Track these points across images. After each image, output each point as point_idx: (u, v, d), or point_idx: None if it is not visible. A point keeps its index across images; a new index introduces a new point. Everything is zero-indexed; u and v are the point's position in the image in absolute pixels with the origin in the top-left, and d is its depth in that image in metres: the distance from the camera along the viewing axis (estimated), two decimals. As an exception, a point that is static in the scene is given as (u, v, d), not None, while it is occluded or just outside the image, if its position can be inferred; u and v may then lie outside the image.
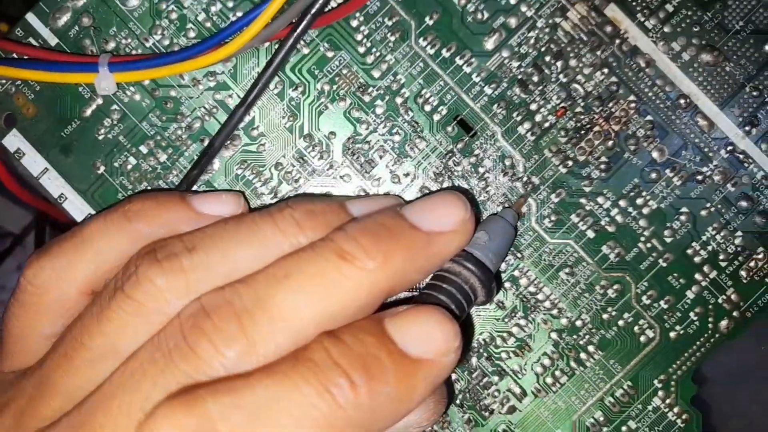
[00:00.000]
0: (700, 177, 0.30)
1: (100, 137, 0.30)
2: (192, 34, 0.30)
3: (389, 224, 0.24)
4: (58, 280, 0.25)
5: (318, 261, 0.23)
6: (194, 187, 0.30)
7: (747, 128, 0.29)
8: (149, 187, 0.31)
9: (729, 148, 0.29)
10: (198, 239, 0.24)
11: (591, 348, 0.30)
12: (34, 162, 0.31)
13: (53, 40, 0.30)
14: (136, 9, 0.30)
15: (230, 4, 0.30)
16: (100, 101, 0.30)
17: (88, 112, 0.30)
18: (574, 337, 0.30)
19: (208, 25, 0.30)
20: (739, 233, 0.30)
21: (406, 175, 0.30)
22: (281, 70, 0.30)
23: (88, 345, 0.23)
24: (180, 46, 0.30)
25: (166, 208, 0.25)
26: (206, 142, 0.30)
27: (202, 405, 0.20)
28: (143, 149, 0.30)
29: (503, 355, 0.30)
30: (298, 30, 0.27)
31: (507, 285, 0.30)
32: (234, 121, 0.29)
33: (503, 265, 0.30)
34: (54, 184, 0.31)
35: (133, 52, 0.30)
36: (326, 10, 0.28)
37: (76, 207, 0.31)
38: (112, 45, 0.30)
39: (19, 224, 0.69)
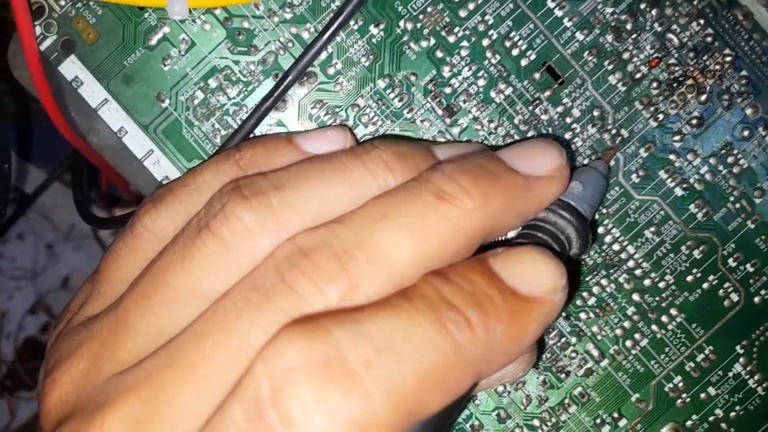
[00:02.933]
0: (794, 137, 0.29)
1: (166, 68, 0.29)
2: (269, -38, 0.29)
3: (488, 165, 0.23)
4: (175, 229, 0.24)
5: (416, 201, 0.22)
6: (264, 127, 0.29)
7: (844, 89, 0.29)
8: (217, 125, 0.29)
9: (824, 108, 0.29)
10: (285, 177, 0.23)
11: (673, 311, 0.30)
12: (92, 92, 0.29)
13: (119, -38, 0.29)
14: (210, -68, 0.28)
15: (311, -68, 0.29)
16: (167, 29, 0.29)
17: (154, 40, 0.29)
18: (657, 298, 0.29)
19: (287, -48, 0.29)
20: (830, 197, 0.29)
21: (490, 122, 0.29)
22: (363, 5, 0.28)
23: (170, 283, 0.22)
24: (256, -26, 0.29)
25: (276, 152, 0.25)
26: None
27: (327, 332, 0.18)
28: (212, 83, 0.29)
29: (582, 315, 0.30)
30: (392, -42, 0.26)
31: (589, 241, 0.29)
32: (309, 57, 0.28)
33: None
34: (114, 116, 0.29)
35: (206, -22, 0.29)
36: None
37: (137, 141, 0.29)
38: (182, -30, 0.29)
39: (32, 186, 0.68)
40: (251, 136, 0.29)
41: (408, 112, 0.29)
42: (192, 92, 0.29)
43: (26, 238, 0.76)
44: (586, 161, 0.29)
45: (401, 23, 0.29)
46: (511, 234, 0.26)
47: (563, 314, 0.30)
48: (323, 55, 0.29)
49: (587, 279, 0.30)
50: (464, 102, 0.29)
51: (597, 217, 0.29)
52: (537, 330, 0.21)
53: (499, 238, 0.25)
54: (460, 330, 0.19)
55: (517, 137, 0.29)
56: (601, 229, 0.29)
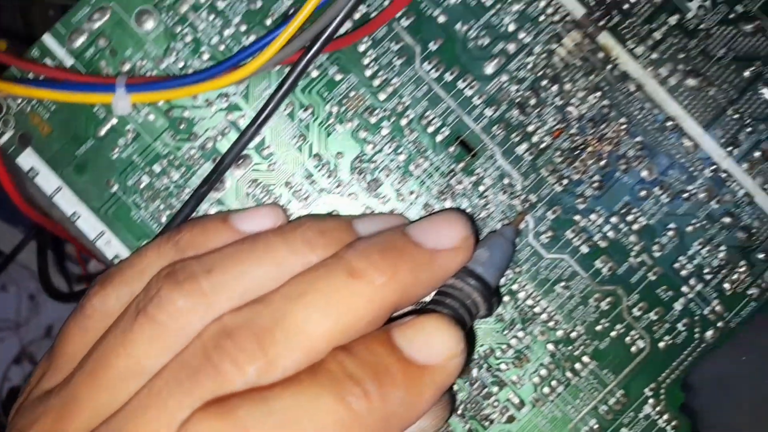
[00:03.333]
0: (686, 195, 0.32)
1: (114, 156, 0.32)
2: (206, 57, 0.32)
3: (396, 242, 0.26)
4: (121, 308, 0.26)
5: (330, 278, 0.24)
6: (205, 206, 0.32)
7: (729, 149, 0.32)
8: (162, 206, 0.32)
9: (713, 167, 0.32)
10: (216, 260, 0.26)
11: (585, 358, 0.32)
12: (47, 181, 0.32)
13: (69, 61, 0.32)
14: (151, 32, 0.32)
15: (243, 28, 0.32)
16: (114, 121, 0.32)
17: (103, 131, 0.32)
18: (570, 348, 0.32)
19: (222, 48, 0.32)
20: (722, 248, 0.32)
21: (411, 193, 0.32)
22: (292, 93, 0.31)
23: (113, 364, 0.25)
24: (194, 69, 0.32)
25: (212, 233, 0.27)
26: (218, 161, 0.31)
27: (235, 412, 0.21)
28: (156, 168, 0.32)
29: (502, 366, 0.32)
30: (309, 55, 0.29)
31: (506, 298, 0.32)
32: (244, 141, 0.31)
33: (502, 279, 0.32)
34: (67, 202, 0.32)
35: (148, 74, 0.32)
36: (336, 36, 0.30)
37: (90, 224, 0.32)
38: (127, 66, 0.32)
39: (10, 244, 0.70)
40: (193, 215, 0.31)
41: (336, 188, 0.32)
42: (138, 177, 0.32)
43: (8, 289, 0.79)
44: (499, 225, 0.32)
45: (327, 107, 0.32)
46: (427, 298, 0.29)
47: (485, 366, 0.32)
48: (257, 139, 0.32)
49: (505, 333, 0.32)
50: (386, 176, 0.32)
51: (512, 275, 0.32)
52: (434, 394, 0.24)
53: (412, 306, 0.28)
54: (357, 400, 0.22)
55: (435, 206, 0.32)
56: (515, 286, 0.32)
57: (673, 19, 0.31)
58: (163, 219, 0.32)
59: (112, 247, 0.32)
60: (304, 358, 0.23)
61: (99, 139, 0.32)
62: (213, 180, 0.31)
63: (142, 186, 0.32)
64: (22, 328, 0.78)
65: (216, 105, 0.32)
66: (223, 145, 0.32)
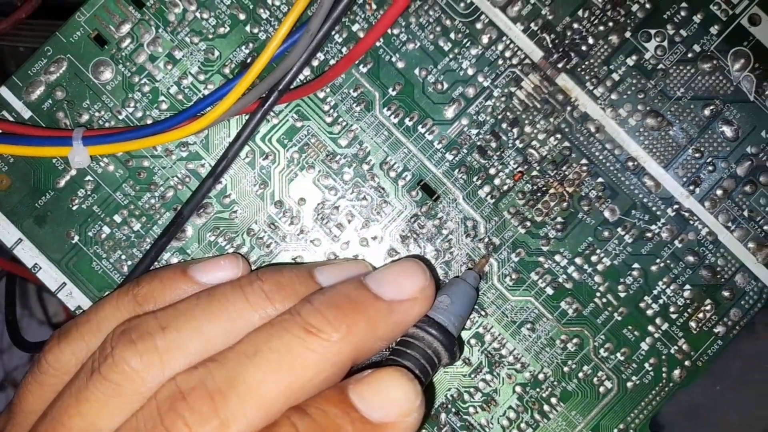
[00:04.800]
0: (649, 234, 0.32)
1: (74, 207, 0.32)
2: (164, 107, 0.32)
3: (353, 295, 0.26)
4: (77, 364, 0.26)
5: (285, 336, 0.24)
6: (167, 255, 0.31)
7: (691, 188, 0.32)
8: (123, 256, 0.32)
9: (675, 206, 0.32)
10: (171, 317, 0.26)
11: (553, 400, 0.32)
12: (7, 233, 0.32)
13: (27, 114, 0.32)
14: (109, 82, 0.32)
15: (201, 78, 0.32)
16: (73, 172, 0.32)
17: (62, 183, 0.32)
18: (537, 390, 0.32)
19: (180, 97, 0.32)
20: (687, 287, 0.32)
21: (374, 238, 0.32)
22: (251, 140, 0.32)
23: (67, 425, 0.24)
24: (152, 118, 0.32)
25: (171, 286, 0.27)
26: (179, 211, 0.31)
27: None
28: (117, 218, 0.32)
29: (470, 410, 0.32)
30: (266, 106, 0.29)
31: (472, 342, 0.32)
32: (203, 191, 0.31)
33: (468, 323, 0.32)
34: (28, 254, 0.32)
35: (107, 125, 0.32)
36: (293, 87, 0.30)
37: (50, 276, 0.32)
38: (85, 117, 0.32)
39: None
40: (154, 265, 0.31)
41: (299, 234, 0.32)
42: (99, 228, 0.32)
43: (-12, 319, 0.78)
44: (463, 268, 0.32)
45: (288, 154, 0.32)
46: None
47: (453, 410, 0.32)
48: (218, 187, 0.32)
49: (472, 376, 0.32)
50: (349, 222, 0.32)
51: (477, 318, 0.32)
52: None
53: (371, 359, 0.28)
54: None
55: (400, 249, 0.32)
56: (481, 329, 0.32)
57: (631, 60, 0.32)
58: (125, 269, 0.32)
59: (74, 299, 0.32)
60: (258, 419, 0.23)
61: (58, 191, 0.32)
62: (173, 230, 0.30)
63: (102, 236, 0.32)
64: (5, 354, 0.77)
65: (176, 154, 0.32)
66: (184, 194, 0.32)
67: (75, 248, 0.32)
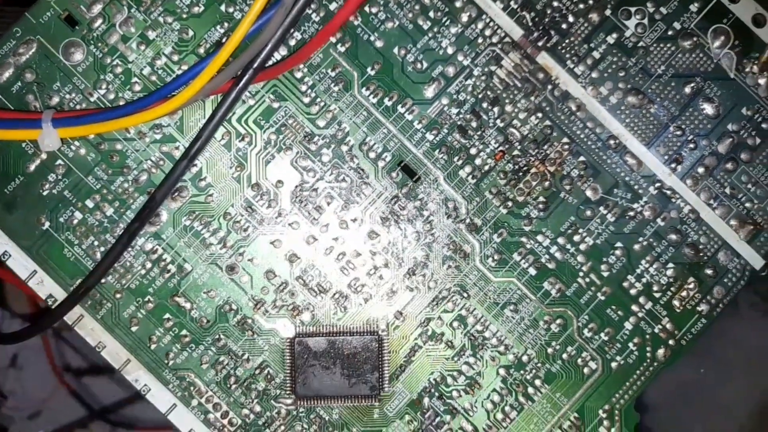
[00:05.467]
0: (631, 213, 0.32)
1: (45, 192, 0.31)
2: (137, 88, 0.31)
3: None
4: None
5: None
6: (140, 241, 0.31)
7: (673, 165, 0.32)
8: (96, 242, 0.31)
9: (657, 184, 0.32)
10: None
11: (537, 382, 0.32)
12: (-25, 219, 0.31)
13: (-6, 97, 0.31)
14: (80, 64, 0.31)
15: (175, 58, 0.31)
16: (44, 156, 0.31)
17: (32, 167, 0.31)
18: (521, 372, 0.32)
19: (154, 78, 0.31)
20: (670, 265, 0.32)
21: (354, 220, 0.32)
22: (227, 122, 0.31)
23: None
24: (125, 100, 0.31)
25: None
26: (153, 194, 0.30)
27: None
28: (89, 203, 0.31)
29: (454, 393, 0.32)
30: (240, 84, 0.29)
31: (455, 324, 0.32)
32: (177, 174, 0.30)
33: (450, 305, 0.32)
34: (-3, 241, 0.31)
35: (78, 107, 0.31)
36: (268, 64, 0.29)
37: (21, 264, 0.31)
38: (56, 100, 0.31)
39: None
40: (127, 250, 0.30)
41: (277, 218, 0.31)
42: (71, 213, 0.31)
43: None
44: (445, 249, 0.32)
45: (265, 135, 0.31)
46: None
47: (436, 394, 0.32)
48: (193, 170, 0.31)
49: (455, 359, 0.32)
50: (329, 204, 0.32)
51: (460, 301, 0.32)
52: None
53: None
54: None
55: (381, 231, 0.32)
56: (463, 312, 0.32)
57: (611, 38, 0.32)
58: (98, 255, 0.31)
59: (45, 287, 0.31)
60: None
61: (28, 176, 0.31)
62: (146, 215, 0.30)
63: (74, 222, 0.31)
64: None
65: (149, 136, 0.31)
66: (158, 178, 0.31)
67: (45, 235, 0.31)
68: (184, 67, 0.31)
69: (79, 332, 0.31)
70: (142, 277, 0.31)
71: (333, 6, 0.31)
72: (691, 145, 0.32)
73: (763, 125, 0.32)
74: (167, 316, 0.31)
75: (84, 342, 0.31)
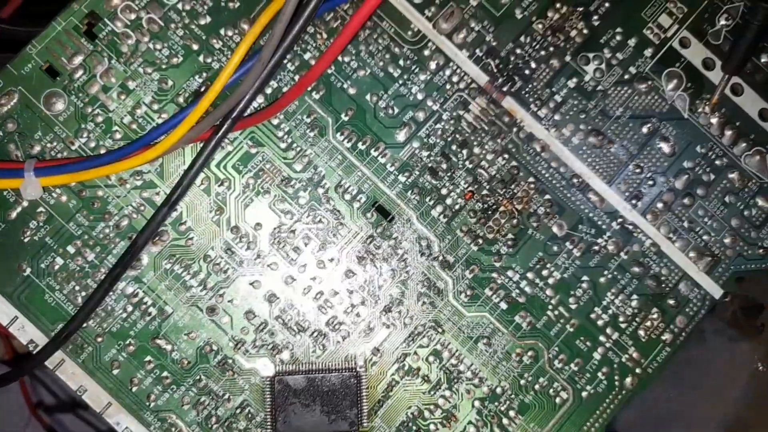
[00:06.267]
0: (596, 248, 0.33)
1: (26, 239, 0.32)
2: (118, 136, 0.32)
3: None
4: None
5: None
6: (122, 285, 0.31)
7: (633, 201, 0.34)
8: (77, 287, 0.32)
9: (619, 220, 0.33)
10: None
11: (512, 413, 0.33)
12: (-44, 267, 0.31)
13: (-24, 147, 0.31)
14: (62, 113, 0.32)
15: (155, 107, 0.32)
16: (25, 204, 0.32)
17: (13, 215, 0.32)
18: (496, 403, 0.33)
19: (134, 127, 0.32)
20: (634, 296, 0.33)
21: (331, 260, 0.33)
22: (206, 167, 0.32)
23: None
24: (106, 148, 0.32)
25: None
26: (134, 239, 0.31)
27: None
28: (70, 249, 0.32)
29: (431, 426, 0.33)
30: (220, 133, 0.30)
31: (431, 359, 0.33)
32: (158, 219, 0.31)
33: (425, 341, 0.33)
34: (-22, 288, 0.31)
35: (59, 155, 0.32)
36: (246, 114, 0.30)
37: (1, 310, 0.31)
38: (37, 149, 0.32)
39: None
40: (108, 295, 0.31)
41: (256, 259, 0.32)
42: (52, 259, 0.32)
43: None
44: (419, 286, 0.33)
45: (243, 180, 0.32)
46: None
47: (414, 428, 0.33)
48: (174, 215, 0.32)
49: (432, 393, 0.33)
50: (306, 245, 0.33)
51: (435, 336, 0.33)
52: None
53: None
54: None
55: (356, 271, 0.33)
56: (439, 346, 0.33)
57: (572, 82, 0.33)
58: (79, 300, 0.32)
59: (26, 333, 0.31)
60: None
61: (9, 223, 0.32)
62: (128, 259, 0.30)
63: (55, 268, 0.32)
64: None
65: (130, 183, 0.32)
66: (139, 223, 0.32)
67: (27, 281, 0.31)
68: (165, 116, 0.32)
69: (60, 377, 0.31)
70: (123, 321, 0.32)
71: (307, 56, 0.32)
72: (650, 182, 0.33)
73: (717, 162, 0.33)
74: (148, 358, 0.32)
75: (59, 377, 0.31)
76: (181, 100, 0.32)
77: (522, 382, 0.33)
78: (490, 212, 0.33)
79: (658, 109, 0.33)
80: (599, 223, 0.33)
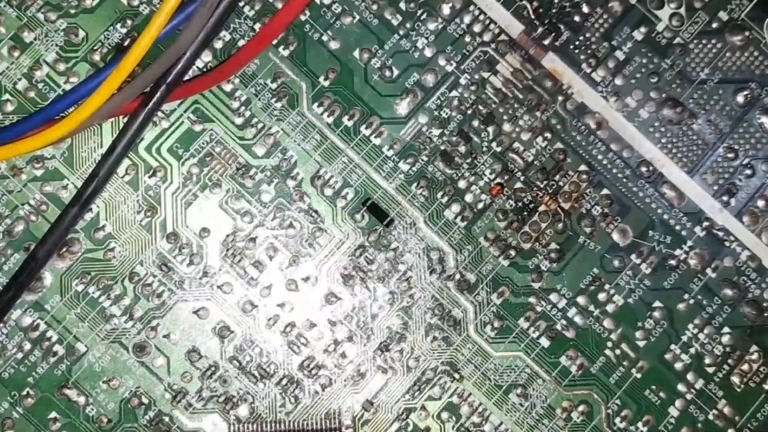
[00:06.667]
0: (673, 262, 0.31)
1: None
2: (9, 108, 0.30)
3: None
4: None
5: None
6: (16, 314, 0.29)
7: (724, 198, 0.31)
8: (-45, 316, 0.29)
9: (705, 224, 0.31)
10: None
11: (556, 491, 0.30)
12: None
13: None
14: (-66, 77, 0.29)
15: (61, 68, 0.30)
16: None
17: None
18: (534, 478, 0.30)
19: (32, 95, 0.30)
20: (726, 330, 0.31)
21: (306, 279, 0.30)
22: (133, 152, 0.30)
23: None
24: (-6, 125, 0.30)
25: None
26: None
27: None
28: (-54, 264, 0.29)
29: None
30: (151, 104, 0.27)
31: (443, 416, 0.30)
32: (65, 223, 0.28)
33: (437, 391, 0.30)
34: None
35: (-70, 135, 0.29)
36: (188, 77, 0.28)
37: None
38: None
39: None
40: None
41: (202, 278, 0.30)
42: None
43: None
44: (428, 316, 0.30)
45: (184, 168, 0.30)
46: None
47: None
48: (88, 217, 0.30)
49: (445, 464, 0.30)
50: (271, 258, 0.30)
51: (449, 383, 0.30)
52: None
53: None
54: None
55: (342, 294, 0.30)
56: (455, 398, 0.30)
57: (639, 33, 0.31)
58: (-42, 336, 0.29)
59: None
60: None
61: None
62: (24, 279, 0.28)
63: (-75, 291, 0.29)
64: None
65: (27, 173, 0.30)
66: (40, 228, 0.30)
67: None
68: (74, 80, 0.30)
69: (-67, 440, 0.29)
70: (18, 363, 0.30)
71: (273, -4, 0.30)
72: (748, 171, 0.31)
73: (839, 143, 0.31)
74: (53, 414, 0.30)
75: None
76: (96, 57, 0.30)
77: (570, 448, 0.31)
78: (526, 213, 0.31)
79: (758, 69, 0.32)
80: (677, 227, 0.31)
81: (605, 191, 0.31)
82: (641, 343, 0.31)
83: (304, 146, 0.31)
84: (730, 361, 0.31)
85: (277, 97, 0.30)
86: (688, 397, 0.31)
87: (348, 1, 0.31)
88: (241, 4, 0.30)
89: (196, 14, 0.27)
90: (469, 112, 0.31)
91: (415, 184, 0.31)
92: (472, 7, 0.31)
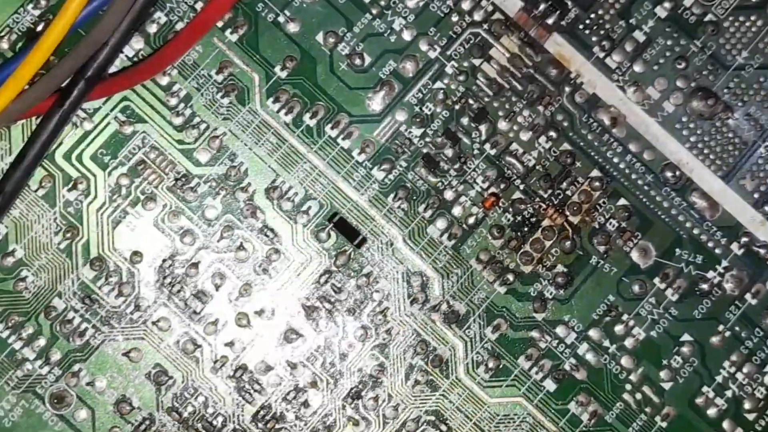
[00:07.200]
0: (704, 286, 0.32)
1: None
2: None
3: None
4: None
5: None
6: None
7: (766, 208, 0.33)
8: None
9: (743, 239, 0.32)
10: None
11: None
12: None
13: None
14: None
15: (-40, 58, 0.31)
16: None
17: None
18: None
19: (-75, 92, 0.31)
20: (768, 368, 0.32)
21: (260, 312, 0.32)
22: (47, 159, 0.31)
23: None
24: None
25: None
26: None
27: None
28: None
29: None
30: (68, 102, 0.29)
31: (429, 476, 0.32)
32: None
33: (420, 445, 0.32)
34: None
35: None
36: (112, 70, 0.29)
37: None
38: None
39: None
40: None
41: (133, 312, 0.31)
42: None
43: None
44: (408, 355, 0.32)
45: (111, 179, 0.31)
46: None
47: None
48: (-6, 239, 0.31)
49: None
50: (217, 288, 0.31)
51: (436, 436, 0.32)
52: None
53: None
54: None
55: (304, 330, 0.32)
56: (442, 456, 0.32)
57: (662, 9, 0.32)
58: None
59: None
60: None
61: None
62: None
63: None
64: None
65: None
66: (-64, 254, 0.31)
67: None
68: None
69: None
70: None
71: (217, -31, 0.31)
72: None
73: None
74: None
75: None
76: (3, 45, 0.31)
77: None
78: (526, 229, 0.32)
79: (806, 53, 0.33)
80: (710, 245, 0.32)
81: (622, 201, 0.32)
82: (667, 386, 0.32)
83: (256, 151, 0.32)
84: (774, 406, 0.33)
85: (224, 91, 0.32)
86: (724, 449, 0.32)
87: (308, -26, 0.32)
88: (178, -21, 0.31)
89: (123, -7, 0.28)
90: (456, 107, 0.32)
91: (392, 196, 0.32)
92: (459, -20, 0.32)
